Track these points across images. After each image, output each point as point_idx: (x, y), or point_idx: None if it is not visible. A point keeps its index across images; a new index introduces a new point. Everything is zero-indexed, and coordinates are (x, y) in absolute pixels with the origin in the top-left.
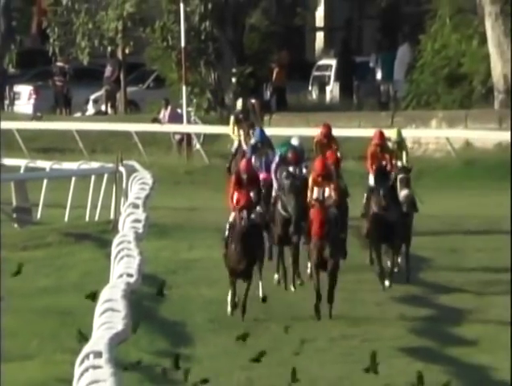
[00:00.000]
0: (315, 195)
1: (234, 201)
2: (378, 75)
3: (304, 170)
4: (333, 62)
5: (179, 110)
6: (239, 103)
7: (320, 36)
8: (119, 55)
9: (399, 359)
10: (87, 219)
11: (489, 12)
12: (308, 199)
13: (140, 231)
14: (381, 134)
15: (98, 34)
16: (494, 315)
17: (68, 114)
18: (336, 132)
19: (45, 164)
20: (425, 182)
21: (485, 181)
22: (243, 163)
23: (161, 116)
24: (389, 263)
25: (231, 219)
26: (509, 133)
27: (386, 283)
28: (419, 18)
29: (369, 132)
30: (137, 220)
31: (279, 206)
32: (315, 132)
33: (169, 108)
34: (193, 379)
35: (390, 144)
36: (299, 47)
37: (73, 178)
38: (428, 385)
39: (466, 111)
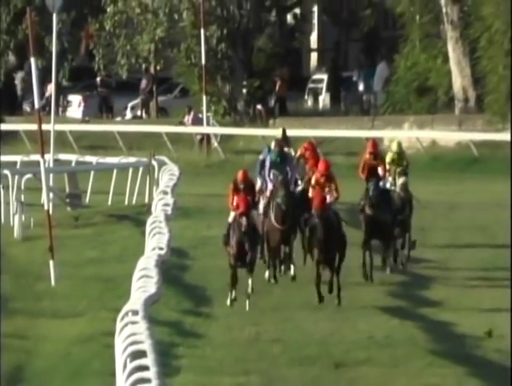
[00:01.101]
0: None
1: (234, 204)
2: (361, 87)
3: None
4: (325, 76)
5: (200, 115)
6: (279, 131)
7: (314, 56)
8: (152, 70)
9: (379, 317)
10: (126, 203)
11: (451, 36)
12: (310, 194)
13: (169, 213)
14: (374, 143)
15: (135, 54)
16: (456, 282)
17: (111, 118)
18: (327, 133)
19: (92, 159)
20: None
21: (448, 173)
22: (240, 174)
23: (185, 120)
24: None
25: (230, 219)
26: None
27: (387, 271)
28: (394, 41)
29: (353, 133)
30: (166, 204)
31: (272, 216)
32: (310, 132)
33: (192, 113)
34: (212, 333)
35: (390, 154)
36: (297, 65)
37: (115, 170)
38: (402, 338)
39: (432, 116)
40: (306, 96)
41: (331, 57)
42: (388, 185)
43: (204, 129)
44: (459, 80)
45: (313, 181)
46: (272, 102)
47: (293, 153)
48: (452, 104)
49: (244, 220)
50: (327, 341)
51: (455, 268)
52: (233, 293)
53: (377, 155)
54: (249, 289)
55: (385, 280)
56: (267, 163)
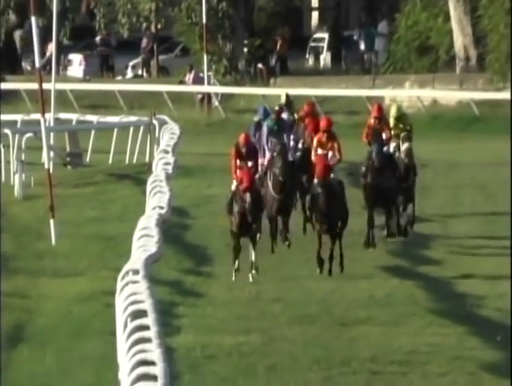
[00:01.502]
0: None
1: (237, 174)
2: (362, 46)
3: (293, 143)
4: (326, 35)
5: (201, 74)
6: (283, 96)
7: (315, 15)
8: (153, 29)
9: (379, 276)
10: (127, 162)
11: None
12: (313, 157)
13: (170, 172)
14: (380, 108)
15: (136, 12)
16: (456, 241)
17: (111, 77)
18: (328, 92)
19: (92, 118)
20: None
21: (448, 132)
22: (242, 137)
23: (186, 78)
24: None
25: (233, 187)
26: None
27: (384, 232)
28: (394, 0)
29: (354, 92)
30: (167, 163)
31: (270, 185)
32: (311, 92)
33: (193, 72)
34: (213, 292)
35: (390, 119)
36: (298, 24)
37: (115, 130)
38: (403, 297)
39: (433, 75)
40: (307, 55)
41: (332, 16)
42: (391, 150)
43: (205, 88)
44: (460, 38)
45: (315, 141)
46: (273, 61)
47: (296, 118)
48: (452, 63)
49: (248, 197)
50: (327, 300)
51: (455, 227)
52: (237, 262)
53: (382, 119)
54: (253, 259)
55: (385, 239)
56: (265, 130)
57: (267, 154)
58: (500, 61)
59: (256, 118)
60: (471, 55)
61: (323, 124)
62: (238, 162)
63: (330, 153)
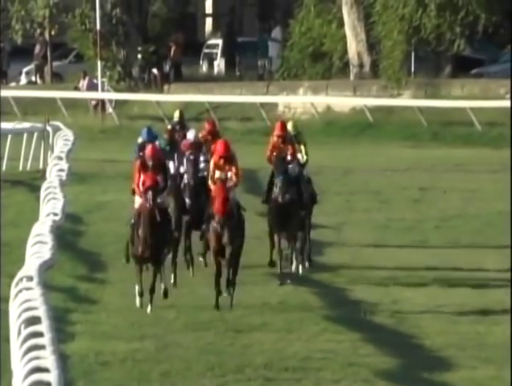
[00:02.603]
0: (217, 175)
1: (140, 185)
2: (256, 53)
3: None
4: (220, 42)
5: (94, 80)
6: (176, 114)
7: (209, 21)
8: (46, 36)
9: (273, 282)
10: (20, 168)
11: (346, 1)
12: (210, 181)
13: (64, 178)
14: (283, 125)
15: (29, 19)
16: (350, 247)
17: (5, 84)
18: (222, 98)
19: None
20: None
21: (342, 138)
22: (149, 149)
23: (80, 85)
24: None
25: (137, 205)
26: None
27: (297, 267)
28: (288, 6)
29: (248, 98)
30: (61, 170)
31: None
32: (205, 98)
33: (87, 78)
34: (107, 298)
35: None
36: (192, 30)
37: (9, 136)
38: (297, 304)
39: (327, 81)
40: (201, 62)
41: (226, 22)
42: (294, 170)
43: (99, 95)
44: (354, 45)
45: (211, 164)
46: (167, 67)
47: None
48: (346, 69)
49: (150, 195)
50: (221, 306)
51: (348, 234)
52: (141, 286)
53: (286, 138)
54: (162, 290)
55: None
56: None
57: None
58: (393, 67)
59: (139, 140)
60: (365, 61)
61: (220, 148)
62: (143, 175)
63: (228, 174)
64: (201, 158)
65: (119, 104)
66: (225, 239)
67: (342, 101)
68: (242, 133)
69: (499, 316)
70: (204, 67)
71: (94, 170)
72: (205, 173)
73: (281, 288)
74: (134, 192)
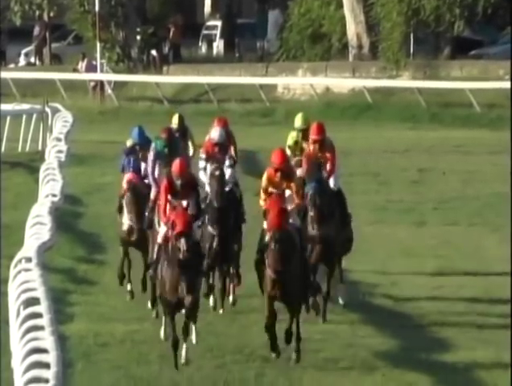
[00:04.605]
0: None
1: (167, 216)
2: (255, 34)
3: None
4: (219, 23)
5: (93, 62)
6: (175, 119)
7: (208, 2)
8: (45, 17)
9: None
10: (19, 150)
11: None
12: (261, 202)
13: (62, 160)
14: (321, 127)
15: (28, 0)
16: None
17: (4, 65)
18: (221, 80)
19: None
20: (293, 120)
21: (341, 120)
22: (176, 165)
23: (79, 66)
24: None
25: (160, 238)
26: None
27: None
28: None
29: (247, 80)
30: (60, 151)
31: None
32: (204, 79)
33: (86, 60)
34: (106, 280)
35: (293, 133)
36: (191, 11)
37: (8, 117)
38: None
39: (326, 63)
40: (200, 43)
41: (225, 3)
42: (332, 183)
43: (98, 76)
44: (353, 26)
45: (264, 180)
46: (166, 49)
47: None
48: (345, 50)
49: (183, 244)
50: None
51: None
52: (174, 334)
53: (324, 143)
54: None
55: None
56: (151, 154)
57: (154, 188)
58: (392, 49)
59: (128, 142)
60: (364, 42)
61: (276, 159)
62: (170, 199)
63: (287, 193)
64: (226, 163)
65: (118, 86)
66: (279, 263)
67: (341, 83)
68: (241, 115)
69: (498, 297)
70: (203, 49)
71: (93, 152)
72: (232, 184)
73: None
74: (120, 210)
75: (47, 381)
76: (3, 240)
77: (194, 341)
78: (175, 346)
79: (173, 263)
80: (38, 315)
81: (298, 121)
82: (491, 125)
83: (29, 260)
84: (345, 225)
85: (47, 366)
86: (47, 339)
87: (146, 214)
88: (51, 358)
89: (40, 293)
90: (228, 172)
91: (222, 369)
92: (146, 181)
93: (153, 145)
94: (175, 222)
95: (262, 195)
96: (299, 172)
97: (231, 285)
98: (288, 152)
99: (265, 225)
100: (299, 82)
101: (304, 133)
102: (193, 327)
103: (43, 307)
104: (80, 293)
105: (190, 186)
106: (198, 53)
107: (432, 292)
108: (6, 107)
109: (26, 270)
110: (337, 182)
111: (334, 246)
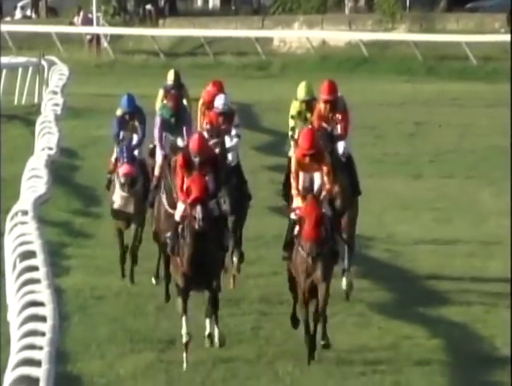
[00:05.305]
0: (301, 184)
1: (184, 189)
2: None
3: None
4: None
5: (90, 15)
6: (170, 75)
7: None
8: None
9: (268, 216)
10: (15, 103)
11: None
12: (293, 190)
13: (58, 113)
14: (332, 86)
15: None
16: None
17: (0, 19)
18: (217, 33)
19: None
20: (289, 74)
21: (337, 73)
22: (194, 141)
23: (75, 20)
24: None
25: (178, 217)
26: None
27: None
28: None
29: (243, 33)
30: (56, 104)
31: (163, 196)
32: (200, 32)
33: (82, 13)
34: (102, 233)
35: (295, 103)
36: None
37: (4, 70)
38: None
39: (322, 15)
40: None
41: None
42: (341, 150)
43: (94, 29)
44: None
45: (294, 164)
46: (162, 2)
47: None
48: (341, 3)
49: (199, 211)
50: None
51: None
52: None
53: (336, 104)
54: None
55: (275, 179)
56: (157, 121)
57: (159, 156)
58: (388, 1)
59: (119, 112)
60: None
61: (304, 141)
62: (186, 177)
63: (316, 180)
64: (233, 132)
65: (114, 39)
66: (318, 274)
67: (337, 36)
68: (237, 68)
69: (494, 250)
70: (199, 2)
71: (89, 105)
72: (238, 159)
73: (276, 221)
74: (109, 186)
75: (43, 334)
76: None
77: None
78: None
79: (189, 237)
80: (34, 268)
81: (301, 91)
82: (487, 78)
83: (25, 213)
84: (354, 202)
85: (43, 319)
86: (43, 292)
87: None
88: (47, 311)
89: (36, 246)
90: (233, 142)
91: (219, 322)
92: (136, 152)
93: (159, 112)
94: (190, 188)
95: (293, 184)
96: None
97: (233, 264)
98: (292, 122)
99: (292, 216)
100: (295, 35)
101: (308, 104)
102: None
103: (39, 260)
104: (76, 246)
105: (209, 162)
106: (194, 6)
107: (428, 245)
108: (2, 60)
109: (23, 223)
110: (346, 148)
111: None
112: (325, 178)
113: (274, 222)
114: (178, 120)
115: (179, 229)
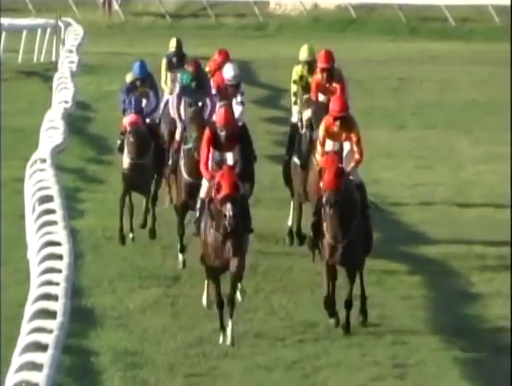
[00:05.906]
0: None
1: (214, 180)
2: None
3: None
4: None
5: None
6: (172, 43)
7: None
8: None
9: (265, 163)
10: (35, 60)
11: None
12: (318, 156)
13: (74, 69)
14: (328, 55)
15: None
16: None
17: None
18: None
19: (3, 20)
20: (284, 34)
21: (328, 33)
22: (221, 114)
23: None
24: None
25: (203, 193)
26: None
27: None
28: None
29: None
30: (72, 62)
31: (182, 165)
32: None
33: None
34: (113, 179)
35: (297, 68)
36: None
37: (24, 31)
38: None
39: None
40: None
41: None
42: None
43: None
44: None
45: (321, 130)
46: None
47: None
48: None
49: (229, 208)
50: None
51: None
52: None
53: (333, 73)
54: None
55: (270, 130)
56: (177, 87)
57: (180, 124)
58: None
59: (128, 78)
60: None
61: (335, 105)
62: (212, 152)
63: (346, 148)
64: (238, 99)
65: (124, 2)
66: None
67: None
68: (237, 29)
69: (472, 195)
70: None
71: (102, 62)
72: (244, 122)
73: (273, 168)
74: (121, 148)
75: (60, 271)
76: (19, 143)
77: (239, 299)
78: (221, 306)
79: (218, 228)
80: (51, 211)
81: (303, 52)
82: (464, 38)
83: (43, 161)
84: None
85: (60, 257)
86: (59, 233)
87: (170, 155)
88: (63, 250)
89: (54, 191)
90: (238, 109)
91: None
92: (148, 120)
93: (178, 77)
94: (220, 184)
95: (319, 149)
96: (309, 114)
97: None
98: (294, 87)
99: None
100: None
101: (310, 65)
102: (239, 285)
103: (56, 204)
104: (89, 191)
105: (235, 135)
106: None
107: (410, 189)
108: (22, 21)
109: (41, 170)
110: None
111: None
112: (355, 148)
113: (270, 169)
114: (198, 84)
115: (204, 208)
